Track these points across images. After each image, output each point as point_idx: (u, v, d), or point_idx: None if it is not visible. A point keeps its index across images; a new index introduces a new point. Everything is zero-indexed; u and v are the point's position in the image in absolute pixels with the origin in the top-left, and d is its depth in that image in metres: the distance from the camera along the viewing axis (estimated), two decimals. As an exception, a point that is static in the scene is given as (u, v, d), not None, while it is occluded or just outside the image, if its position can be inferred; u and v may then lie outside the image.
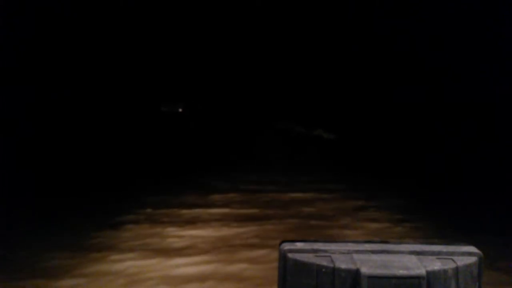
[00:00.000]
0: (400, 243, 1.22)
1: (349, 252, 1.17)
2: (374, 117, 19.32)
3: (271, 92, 27.84)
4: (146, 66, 27.08)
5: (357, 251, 1.18)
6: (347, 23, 24.23)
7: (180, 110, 20.81)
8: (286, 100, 26.26)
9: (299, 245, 1.19)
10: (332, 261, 1.15)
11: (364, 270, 1.11)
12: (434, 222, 6.68)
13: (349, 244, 1.20)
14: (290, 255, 1.17)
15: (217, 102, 27.77)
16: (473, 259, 1.17)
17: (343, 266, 1.13)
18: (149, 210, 7.00)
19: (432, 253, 1.18)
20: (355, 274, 1.12)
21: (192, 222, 6.41)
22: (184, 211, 6.97)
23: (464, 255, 1.17)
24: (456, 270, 1.14)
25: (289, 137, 19.11)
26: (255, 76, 29.39)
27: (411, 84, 19.19)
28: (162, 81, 27.73)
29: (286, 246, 1.19)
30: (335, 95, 23.52)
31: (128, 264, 4.82)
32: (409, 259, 1.16)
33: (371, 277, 1.10)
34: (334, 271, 1.13)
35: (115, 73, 24.21)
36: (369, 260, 1.15)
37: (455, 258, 1.16)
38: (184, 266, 4.79)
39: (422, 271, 1.11)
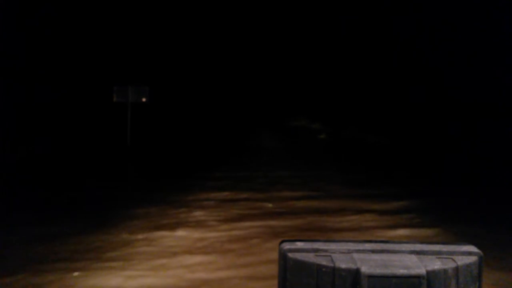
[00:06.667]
0: (400, 242, 1.22)
1: (349, 252, 1.18)
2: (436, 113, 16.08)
3: (284, 80, 24.64)
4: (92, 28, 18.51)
5: (357, 251, 1.19)
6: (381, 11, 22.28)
7: (144, 99, 15.66)
8: (305, 91, 23.14)
9: (299, 244, 1.20)
10: (332, 260, 1.16)
11: (364, 269, 1.12)
12: None
13: (349, 243, 1.21)
14: (290, 254, 1.17)
15: (204, 88, 21.32)
16: (473, 259, 1.17)
17: (343, 265, 1.14)
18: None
19: (432, 253, 1.18)
20: (355, 274, 1.13)
21: None
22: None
23: (464, 255, 1.18)
24: (456, 269, 1.15)
25: (312, 144, 14.30)
26: (264, 61, 25.86)
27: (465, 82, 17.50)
28: (118, 53, 18.55)
29: (286, 245, 1.19)
30: (377, 86, 19.73)
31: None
32: (409, 258, 1.16)
33: (371, 277, 1.11)
34: (334, 271, 1.14)
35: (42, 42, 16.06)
36: (369, 259, 1.16)
37: (455, 257, 1.17)
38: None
39: (422, 271, 1.12)
